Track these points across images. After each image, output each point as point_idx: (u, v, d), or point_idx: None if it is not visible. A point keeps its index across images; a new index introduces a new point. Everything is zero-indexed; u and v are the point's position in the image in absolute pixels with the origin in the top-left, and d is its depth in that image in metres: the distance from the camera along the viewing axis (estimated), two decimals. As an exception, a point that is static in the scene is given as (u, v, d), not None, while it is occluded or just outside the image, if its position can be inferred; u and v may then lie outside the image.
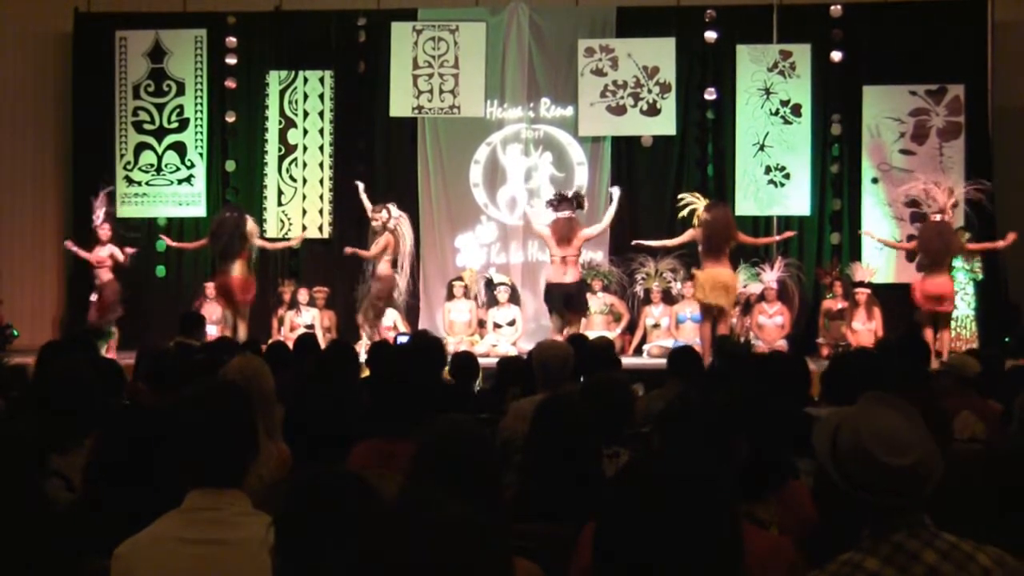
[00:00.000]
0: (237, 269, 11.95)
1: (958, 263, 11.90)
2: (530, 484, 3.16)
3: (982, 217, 12.41)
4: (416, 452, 2.70)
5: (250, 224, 12.25)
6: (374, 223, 11.98)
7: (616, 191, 11.84)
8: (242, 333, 11.80)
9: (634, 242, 12.03)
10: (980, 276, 12.49)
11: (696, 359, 6.23)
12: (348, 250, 12.08)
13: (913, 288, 11.34)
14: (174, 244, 13.15)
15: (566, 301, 11.06)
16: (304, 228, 13.51)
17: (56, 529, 2.70)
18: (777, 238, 12.47)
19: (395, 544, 1.41)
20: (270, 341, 9.40)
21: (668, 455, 2.03)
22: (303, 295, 12.92)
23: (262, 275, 12.78)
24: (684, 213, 12.09)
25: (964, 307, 12.23)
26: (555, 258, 11.29)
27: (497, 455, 2.86)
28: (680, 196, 12.46)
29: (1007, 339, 12.04)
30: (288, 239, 13.43)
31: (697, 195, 12.22)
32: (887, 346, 6.54)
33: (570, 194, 11.62)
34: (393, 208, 12.04)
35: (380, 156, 13.92)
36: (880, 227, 12.91)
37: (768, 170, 13.24)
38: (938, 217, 11.44)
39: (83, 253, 12.14)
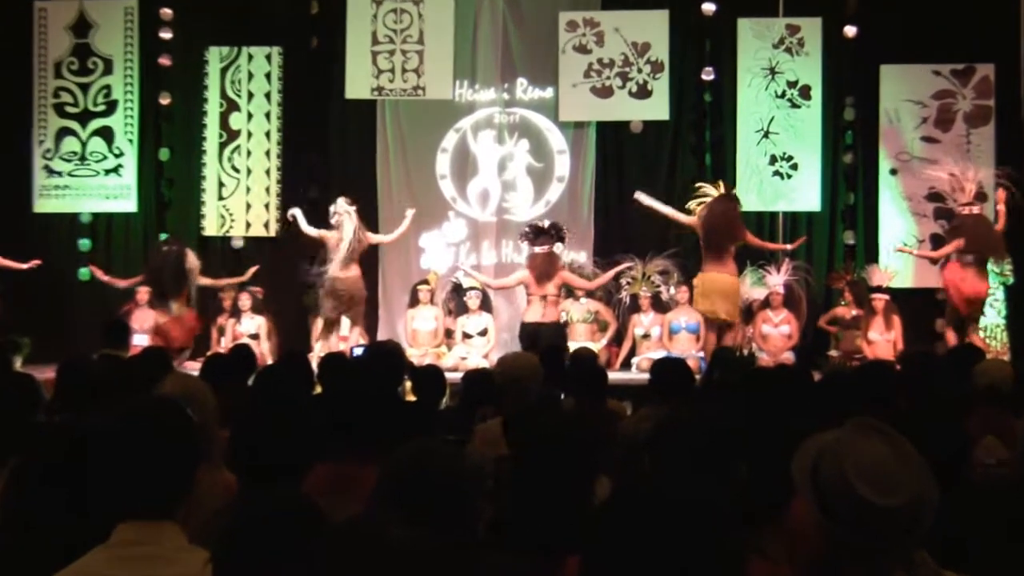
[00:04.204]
0: (175, 310, 11.98)
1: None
2: (507, 514, 3.18)
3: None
4: (381, 478, 2.71)
5: (191, 259, 12.22)
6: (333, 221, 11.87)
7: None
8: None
9: (636, 194, 11.94)
10: (1011, 280, 12.53)
11: (686, 374, 6.12)
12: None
13: (947, 287, 11.35)
14: (104, 279, 12.87)
15: (533, 343, 10.93)
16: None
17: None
18: (789, 246, 12.41)
19: (336, 570, 1.44)
20: (208, 353, 9.37)
21: (660, 480, 2.05)
22: (244, 300, 12.78)
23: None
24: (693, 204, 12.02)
25: (993, 314, 12.28)
26: (532, 298, 11.31)
27: (472, 482, 2.87)
28: (698, 184, 12.35)
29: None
30: (236, 244, 13.54)
31: (720, 184, 12.10)
32: (911, 359, 6.51)
33: (547, 225, 11.63)
34: (341, 201, 11.88)
35: (334, 144, 13.93)
36: (899, 224, 12.99)
37: (773, 160, 13.29)
38: (975, 209, 11.49)
39: None
